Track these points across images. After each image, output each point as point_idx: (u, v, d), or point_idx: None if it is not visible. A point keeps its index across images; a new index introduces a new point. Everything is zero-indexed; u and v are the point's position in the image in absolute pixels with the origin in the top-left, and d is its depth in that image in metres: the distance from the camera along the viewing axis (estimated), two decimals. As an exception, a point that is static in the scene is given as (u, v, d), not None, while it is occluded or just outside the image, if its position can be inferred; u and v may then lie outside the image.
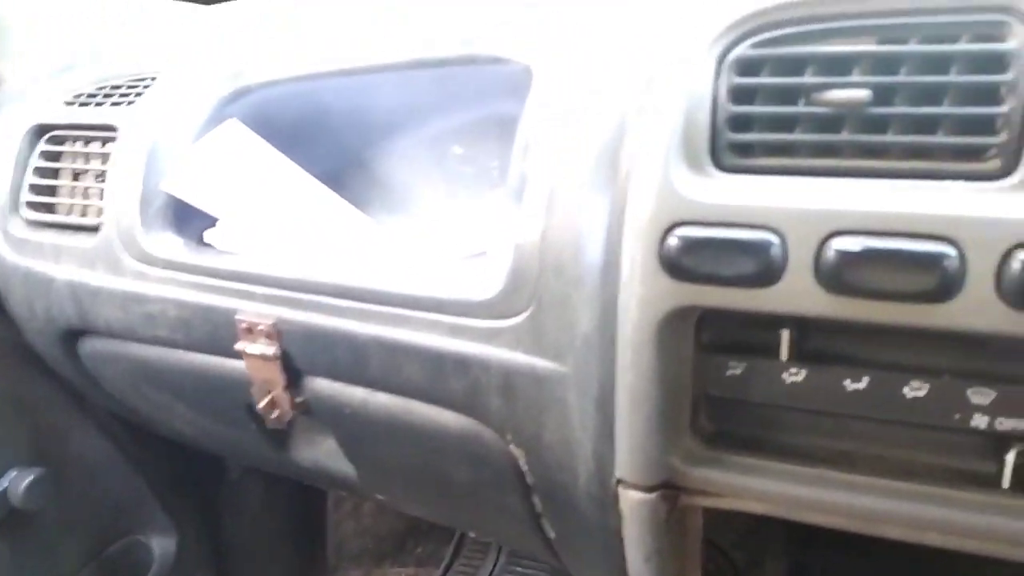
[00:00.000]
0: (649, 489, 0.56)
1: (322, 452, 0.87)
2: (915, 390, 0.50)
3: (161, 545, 1.20)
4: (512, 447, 0.68)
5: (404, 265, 0.72)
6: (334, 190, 0.85)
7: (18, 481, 0.98)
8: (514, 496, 0.72)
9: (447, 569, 1.53)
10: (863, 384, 0.51)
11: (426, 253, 0.76)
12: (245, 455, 1.02)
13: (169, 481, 1.22)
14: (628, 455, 0.56)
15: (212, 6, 1.03)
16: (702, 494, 0.56)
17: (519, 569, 1.48)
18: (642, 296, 0.51)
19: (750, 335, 0.54)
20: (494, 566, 1.49)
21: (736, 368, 0.54)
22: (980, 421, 0.49)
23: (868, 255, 0.45)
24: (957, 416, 0.50)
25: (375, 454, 0.80)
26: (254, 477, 1.36)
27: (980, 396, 0.49)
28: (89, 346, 0.90)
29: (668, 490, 0.56)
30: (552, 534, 0.73)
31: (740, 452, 0.55)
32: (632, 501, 0.56)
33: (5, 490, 0.98)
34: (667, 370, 0.53)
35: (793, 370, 0.53)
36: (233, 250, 0.78)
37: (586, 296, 0.57)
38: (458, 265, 0.70)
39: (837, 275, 0.46)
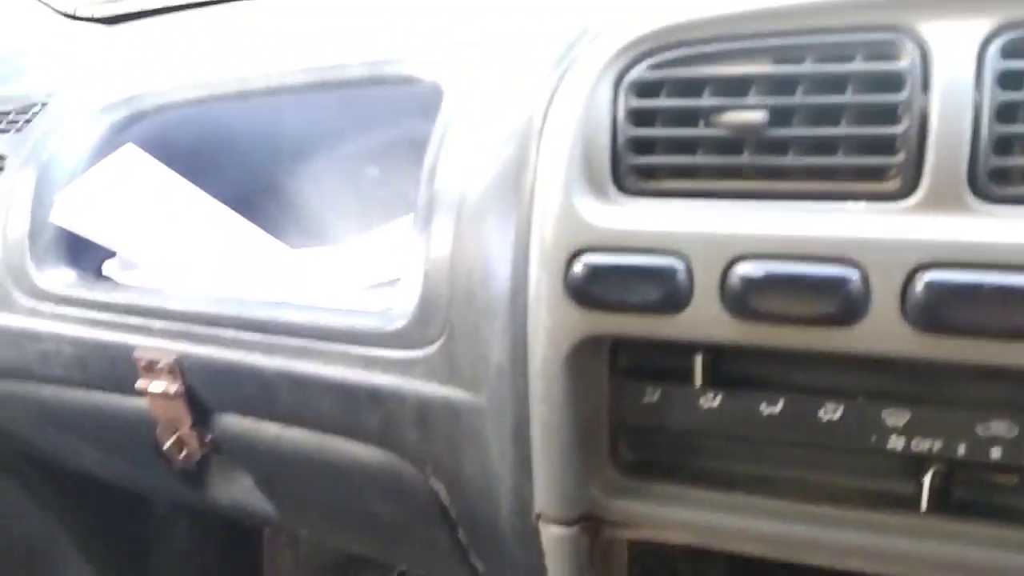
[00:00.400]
0: (569, 523, 0.53)
1: (239, 490, 0.83)
2: (830, 412, 0.49)
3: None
4: (432, 480, 0.65)
5: (313, 294, 0.69)
6: (243, 215, 0.81)
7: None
8: (438, 530, 0.69)
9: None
10: (778, 408, 0.50)
11: (338, 280, 0.73)
12: (163, 494, 0.97)
13: (89, 524, 1.15)
14: (546, 488, 0.53)
15: (113, 26, 0.98)
16: (624, 526, 0.54)
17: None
18: (550, 326, 0.49)
19: (664, 361, 0.52)
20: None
21: (652, 395, 0.53)
22: (896, 443, 0.48)
23: (771, 280, 0.43)
24: (873, 438, 0.49)
25: (293, 491, 0.76)
26: (181, 514, 1.30)
27: (894, 417, 0.48)
28: (-16, 388, 0.85)
29: (589, 523, 0.54)
30: (480, 567, 0.70)
31: (661, 480, 0.54)
32: (553, 535, 0.54)
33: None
34: (581, 400, 0.51)
35: (709, 395, 0.51)
36: (134, 282, 0.73)
37: (497, 325, 0.55)
38: (369, 293, 0.67)
39: (742, 300, 0.44)
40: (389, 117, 0.80)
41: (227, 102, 0.78)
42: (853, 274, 0.42)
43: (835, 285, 0.42)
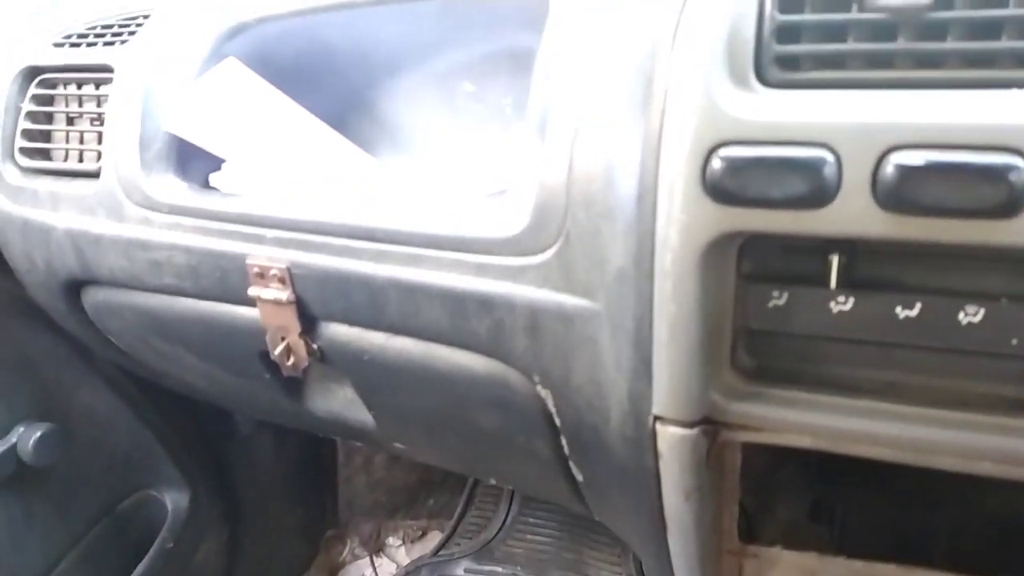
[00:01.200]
0: (689, 425, 0.54)
1: (339, 401, 0.85)
2: (970, 316, 0.48)
3: (174, 500, 1.19)
4: (539, 389, 0.66)
5: (419, 204, 0.69)
6: (338, 131, 0.82)
7: (27, 436, 0.97)
8: (541, 439, 0.70)
9: (459, 519, 1.53)
10: (915, 311, 0.49)
11: (441, 192, 0.73)
12: (258, 407, 1.01)
13: (180, 437, 1.20)
14: (667, 391, 0.54)
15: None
16: (743, 429, 0.54)
17: (531, 519, 1.48)
18: (684, 223, 0.49)
19: (795, 262, 0.51)
20: (506, 515, 1.49)
21: (779, 298, 0.52)
22: (1039, 345, 0.47)
23: (931, 169, 0.42)
24: (1014, 341, 0.47)
25: (395, 402, 0.78)
26: (264, 432, 1.34)
27: (1040, 319, 0.47)
28: (93, 297, 0.87)
29: (708, 425, 0.54)
30: (580, 477, 0.71)
31: (782, 385, 0.53)
32: (671, 438, 0.55)
33: (14, 446, 0.96)
34: (709, 302, 0.50)
35: (841, 298, 0.50)
36: (240, 193, 0.75)
37: (619, 228, 0.54)
38: (478, 203, 0.67)
39: (896, 192, 0.43)
40: (489, 28, 0.79)
41: (327, 14, 0.78)
42: (1020, 162, 0.41)
43: (1000, 174, 0.41)
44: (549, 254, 0.60)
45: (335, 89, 0.86)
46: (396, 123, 0.87)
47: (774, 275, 0.52)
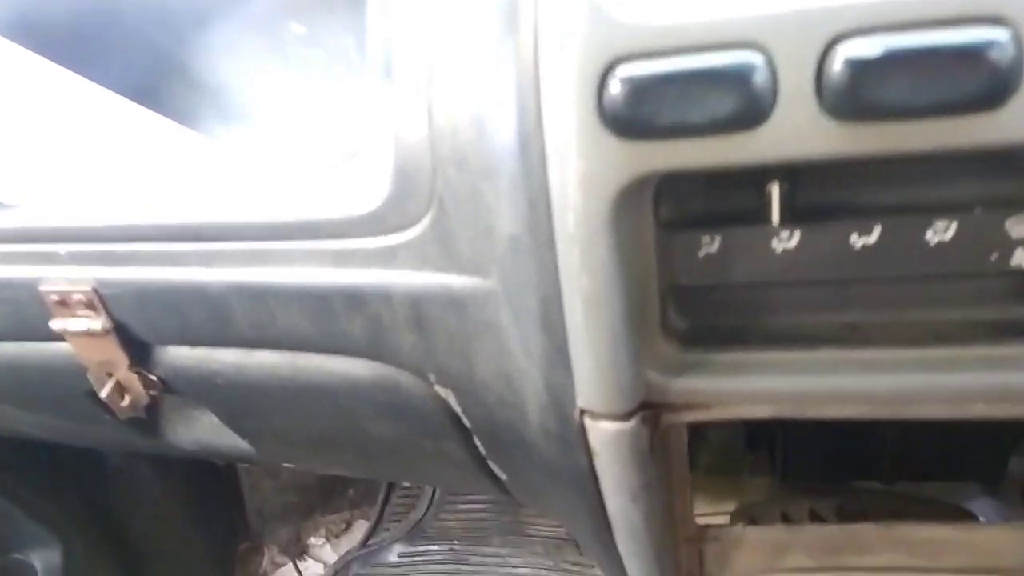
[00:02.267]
0: (624, 417, 0.44)
1: (203, 428, 0.72)
2: (939, 232, 0.39)
3: (44, 559, 1.02)
4: (437, 388, 0.54)
5: (254, 186, 0.55)
6: (146, 105, 0.65)
7: None
8: (451, 442, 0.59)
9: (384, 504, 1.42)
10: (873, 237, 0.40)
11: (279, 167, 0.59)
12: (113, 445, 0.85)
13: (35, 485, 1.03)
14: (592, 381, 0.43)
15: None
16: (688, 408, 0.44)
17: (460, 503, 1.38)
18: (584, 171, 0.37)
19: (725, 199, 0.41)
20: (434, 490, 1.39)
21: (711, 245, 0.42)
22: (1022, 257, 0.39)
23: (890, 60, 0.32)
24: (993, 256, 0.39)
25: (269, 424, 0.65)
26: (139, 458, 1.18)
27: (1021, 226, 0.38)
28: None
29: (647, 412, 0.44)
30: (504, 476, 0.61)
31: (727, 348, 0.44)
32: (605, 434, 0.44)
33: None
34: (628, 265, 0.40)
35: (784, 234, 0.41)
36: (16, 202, 0.58)
37: (503, 187, 0.43)
38: (327, 176, 0.54)
39: (848, 95, 0.33)
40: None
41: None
42: (1002, 35, 0.31)
43: (979, 53, 0.31)
44: (422, 227, 0.48)
45: (131, 53, 0.69)
46: (216, 85, 0.71)
47: (701, 218, 0.42)
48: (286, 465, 0.74)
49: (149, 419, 0.68)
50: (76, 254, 0.55)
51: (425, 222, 0.48)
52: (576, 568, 1.23)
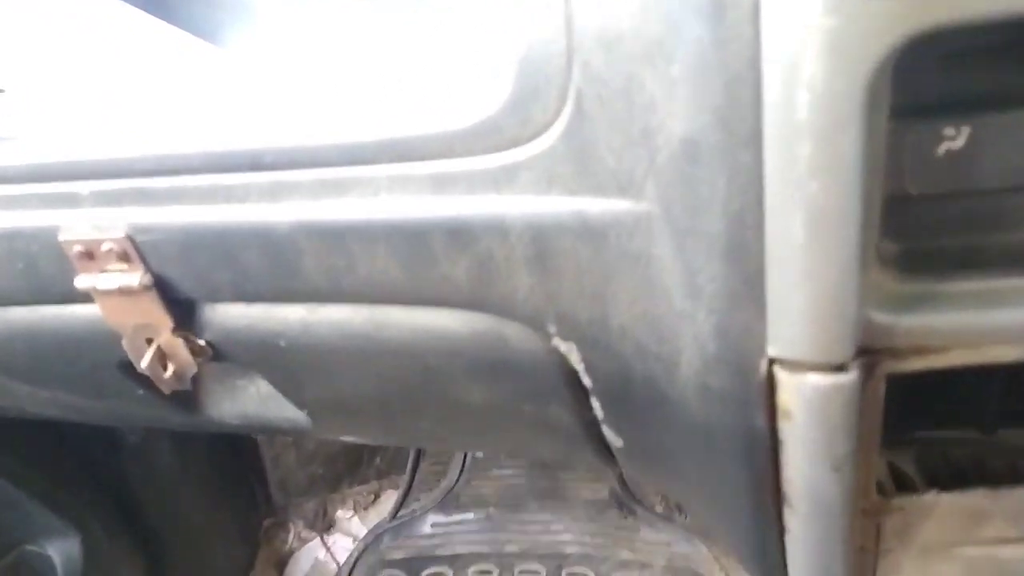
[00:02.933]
0: (839, 367, 0.34)
1: (252, 400, 0.62)
2: None
3: (61, 551, 0.93)
4: (557, 342, 0.45)
5: (326, 103, 0.44)
6: (158, 16, 0.54)
7: None
8: (561, 406, 0.50)
9: (414, 471, 1.33)
10: None
11: (349, 82, 0.49)
12: (139, 422, 0.75)
13: (48, 473, 0.93)
14: (801, 320, 0.33)
15: None
16: (917, 353, 0.35)
17: (492, 469, 1.29)
18: (835, 32, 0.27)
19: (981, 76, 0.31)
20: (465, 454, 1.30)
21: (955, 138, 0.32)
22: None
23: None
24: None
25: (334, 391, 0.55)
26: (158, 435, 1.08)
27: None
28: None
29: (866, 360, 0.35)
30: (619, 443, 0.52)
31: (962, 276, 0.34)
32: (808, 390, 0.35)
33: None
34: (871, 163, 0.30)
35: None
36: (22, 134, 0.47)
37: (677, 73, 0.32)
38: (413, 84, 0.43)
39: None
40: None
41: None
42: None
43: None
44: (551, 138, 0.38)
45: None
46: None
47: (946, 102, 0.32)
48: (345, 439, 0.65)
49: (193, 391, 0.58)
50: (103, 194, 0.44)
51: (555, 131, 0.37)
52: (621, 531, 1.15)
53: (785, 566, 0.47)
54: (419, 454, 1.31)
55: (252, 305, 0.48)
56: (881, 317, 0.34)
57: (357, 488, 1.39)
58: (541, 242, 0.40)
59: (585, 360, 0.45)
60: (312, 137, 0.42)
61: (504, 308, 0.44)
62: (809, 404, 0.35)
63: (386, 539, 1.20)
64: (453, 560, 1.11)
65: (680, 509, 1.16)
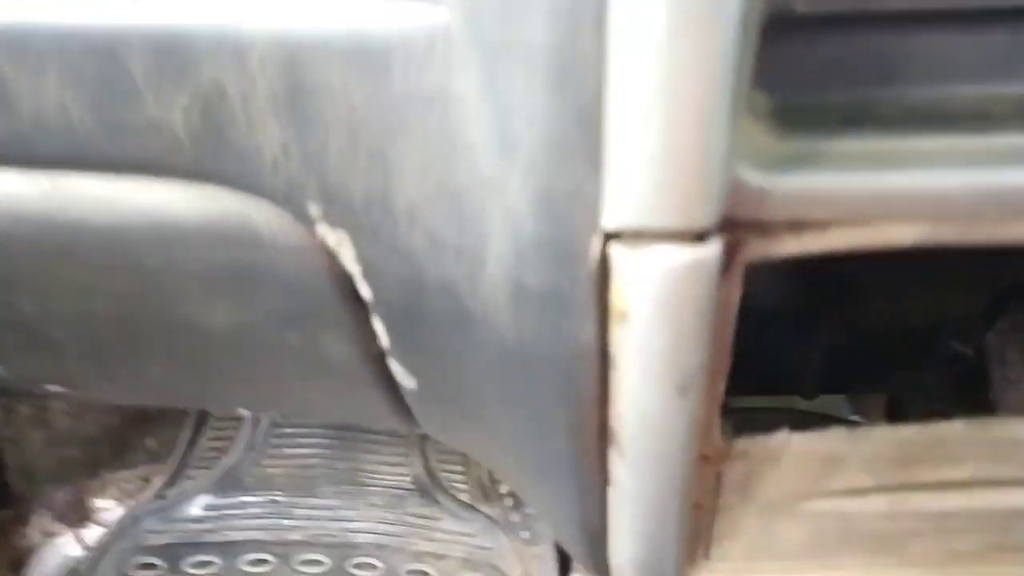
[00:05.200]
0: (698, 236, 0.25)
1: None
2: None
3: None
4: (322, 230, 0.32)
5: None
6: None
7: None
8: (335, 332, 0.38)
9: (190, 446, 1.14)
10: None
11: None
12: None
13: None
14: (652, 172, 0.23)
15: None
16: (791, 230, 0.26)
17: (287, 428, 1.14)
18: None
19: None
20: (253, 430, 1.13)
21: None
22: None
23: None
24: None
25: (12, 312, 0.39)
26: None
27: None
28: None
29: (729, 235, 0.25)
30: (412, 383, 0.40)
31: (856, 134, 0.26)
32: (664, 271, 0.25)
33: None
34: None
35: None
36: None
37: None
38: None
39: None
40: None
41: None
42: None
43: None
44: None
45: None
46: None
47: None
48: (52, 390, 0.48)
49: None
50: None
51: None
52: (421, 520, 1.04)
53: (606, 532, 0.38)
54: (197, 427, 1.13)
55: None
56: (753, 177, 0.25)
57: (124, 472, 1.18)
58: (295, 71, 0.28)
59: (362, 259, 0.33)
60: None
61: (245, 177, 0.31)
62: (655, 294, 0.25)
63: (146, 522, 1.01)
64: (224, 548, 0.95)
65: (486, 495, 1.08)
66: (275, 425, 1.14)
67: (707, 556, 0.40)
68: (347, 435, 1.13)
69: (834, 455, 0.36)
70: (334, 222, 0.32)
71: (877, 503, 0.36)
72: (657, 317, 0.26)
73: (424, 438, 1.12)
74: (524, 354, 0.32)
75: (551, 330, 0.30)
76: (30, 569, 1.12)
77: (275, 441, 1.12)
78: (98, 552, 0.99)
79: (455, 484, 1.07)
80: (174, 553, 0.95)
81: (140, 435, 1.17)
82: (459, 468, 1.10)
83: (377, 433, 1.14)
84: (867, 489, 0.37)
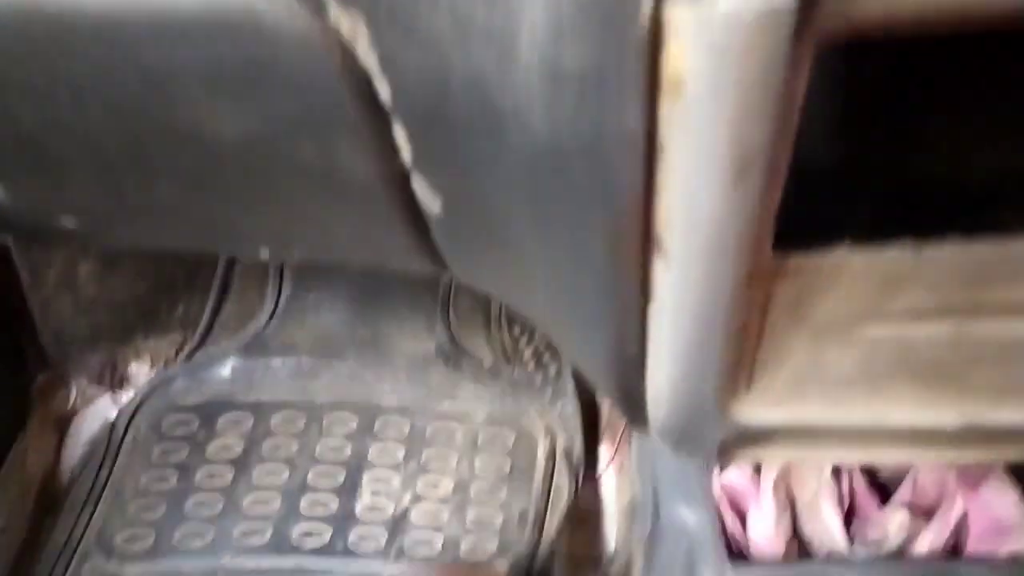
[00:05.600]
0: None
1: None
2: None
3: None
4: (337, 14, 0.29)
5: None
6: None
7: None
8: (350, 140, 0.34)
9: (215, 312, 1.15)
10: None
11: None
12: None
13: None
14: None
15: None
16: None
17: (312, 295, 1.14)
18: None
19: None
20: (278, 297, 1.13)
21: None
22: None
23: None
24: None
25: (9, 121, 0.36)
26: None
27: None
28: None
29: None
30: (436, 207, 0.37)
31: None
32: (727, 27, 0.21)
33: None
34: None
35: None
36: None
37: None
38: None
39: None
40: None
41: None
42: None
43: None
44: None
45: None
46: None
47: None
48: (66, 225, 0.46)
49: None
50: None
51: None
52: (443, 385, 1.05)
53: (644, 359, 0.36)
54: (223, 290, 1.13)
55: None
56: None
57: (152, 339, 1.20)
58: None
59: (380, 50, 0.30)
60: None
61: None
62: (717, 51, 0.22)
63: (177, 382, 1.03)
64: (256, 407, 0.97)
65: (508, 360, 1.07)
66: (298, 292, 1.14)
67: (748, 388, 0.37)
68: (371, 300, 1.13)
69: (897, 274, 0.33)
70: (347, 3, 0.28)
71: (940, 327, 0.34)
72: (718, 81, 0.22)
73: (446, 308, 1.11)
74: (559, 154, 0.29)
75: (591, 119, 0.26)
76: (73, 428, 1.16)
77: (298, 305, 1.12)
78: (133, 411, 1.01)
79: (478, 351, 1.07)
80: (207, 411, 0.97)
81: (168, 302, 1.18)
82: (481, 335, 1.10)
83: (400, 300, 1.13)
84: (930, 311, 0.34)
